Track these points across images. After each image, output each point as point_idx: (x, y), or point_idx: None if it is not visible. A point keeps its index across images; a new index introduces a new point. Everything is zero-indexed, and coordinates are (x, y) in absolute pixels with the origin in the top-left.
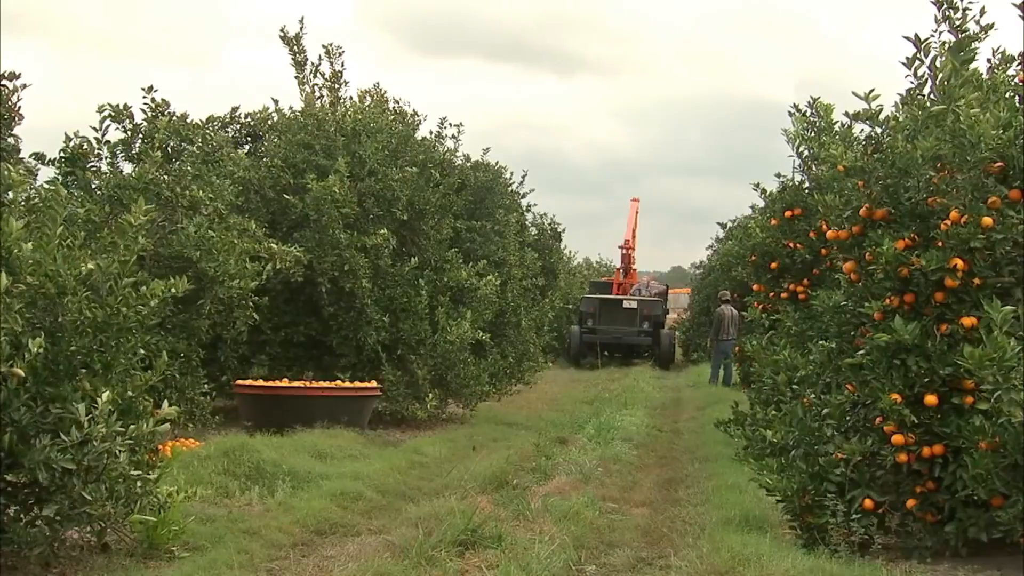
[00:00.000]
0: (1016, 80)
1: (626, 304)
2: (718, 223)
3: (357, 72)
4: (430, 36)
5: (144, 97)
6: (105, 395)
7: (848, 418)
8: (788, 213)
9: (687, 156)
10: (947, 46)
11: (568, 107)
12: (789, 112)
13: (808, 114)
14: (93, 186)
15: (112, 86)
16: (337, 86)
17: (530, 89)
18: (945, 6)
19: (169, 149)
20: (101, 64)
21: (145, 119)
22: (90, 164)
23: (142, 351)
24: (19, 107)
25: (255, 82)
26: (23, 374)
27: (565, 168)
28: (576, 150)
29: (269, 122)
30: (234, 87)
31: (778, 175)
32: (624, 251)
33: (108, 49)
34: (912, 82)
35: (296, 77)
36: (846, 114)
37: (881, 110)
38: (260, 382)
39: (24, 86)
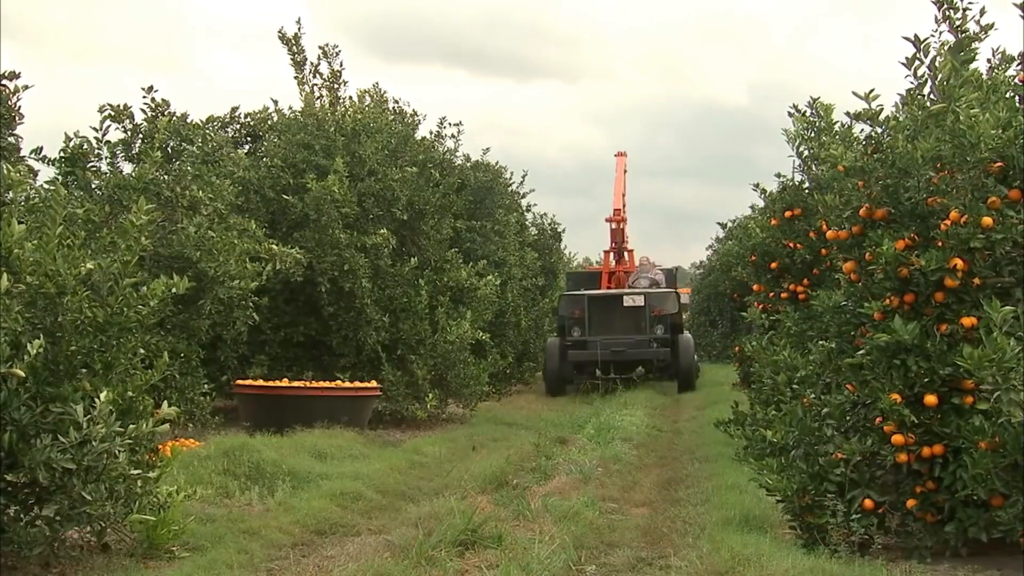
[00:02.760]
0: (1016, 80)
1: (628, 301)
2: (718, 223)
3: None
4: (388, 41)
5: (144, 97)
6: (104, 395)
7: (848, 418)
8: (788, 213)
9: (663, 158)
10: (947, 46)
11: (534, 110)
12: (789, 112)
13: (808, 114)
14: (93, 186)
15: (84, 89)
16: (336, 86)
17: (491, 93)
18: (945, 6)
19: (169, 149)
20: (70, 67)
21: (145, 119)
22: (90, 164)
23: (142, 351)
24: (19, 107)
25: (230, 86)
26: (23, 374)
27: (543, 170)
28: (552, 152)
29: (269, 122)
30: (210, 91)
31: (778, 175)
32: (614, 224)
33: (75, 52)
34: (912, 82)
35: (295, 77)
36: (847, 114)
37: (881, 110)
38: (260, 382)
39: (25, 87)
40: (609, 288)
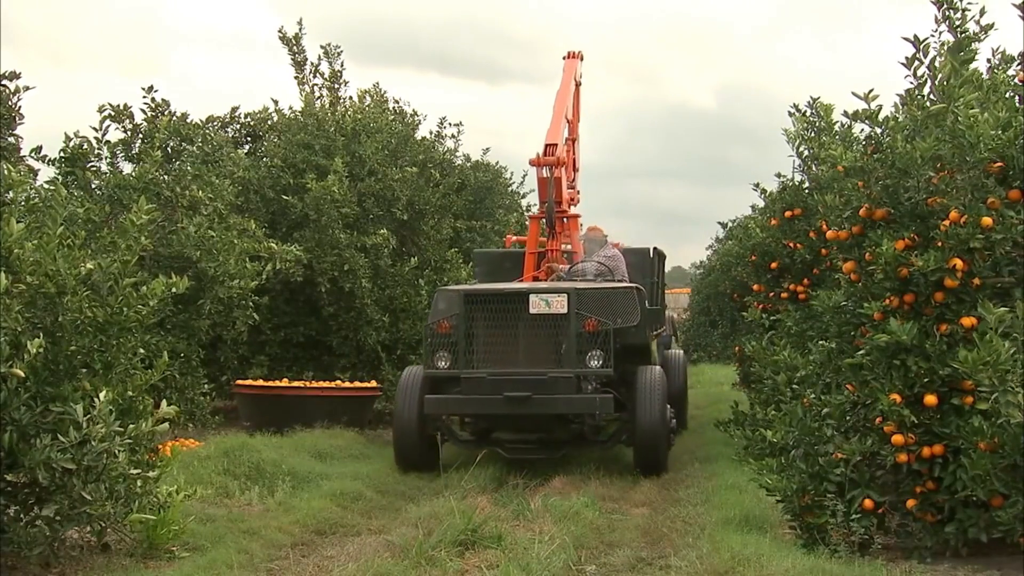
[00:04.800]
0: (1016, 80)
1: (537, 305)
2: (719, 223)
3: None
4: (361, 45)
5: (144, 97)
6: (104, 395)
7: (848, 418)
8: (788, 213)
9: (644, 160)
10: (947, 46)
11: (510, 112)
12: (789, 112)
13: (808, 114)
14: (93, 186)
15: (67, 92)
16: (337, 86)
17: (466, 96)
18: (945, 6)
19: (169, 149)
20: (53, 70)
21: (145, 119)
22: (90, 164)
23: (142, 351)
24: (19, 107)
25: (213, 88)
26: (23, 374)
27: (529, 173)
28: (533, 155)
29: (269, 122)
30: (190, 94)
31: (778, 175)
32: (545, 171)
33: (57, 55)
34: (912, 82)
35: (295, 77)
36: (845, 113)
37: (880, 110)
38: (260, 382)
39: (26, 87)
40: (537, 279)
